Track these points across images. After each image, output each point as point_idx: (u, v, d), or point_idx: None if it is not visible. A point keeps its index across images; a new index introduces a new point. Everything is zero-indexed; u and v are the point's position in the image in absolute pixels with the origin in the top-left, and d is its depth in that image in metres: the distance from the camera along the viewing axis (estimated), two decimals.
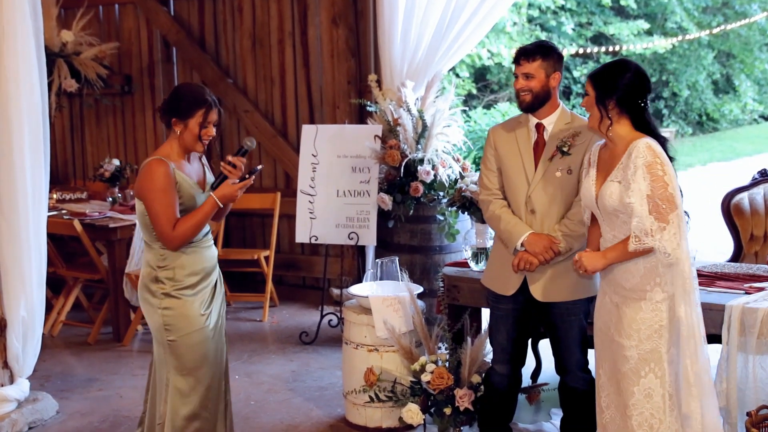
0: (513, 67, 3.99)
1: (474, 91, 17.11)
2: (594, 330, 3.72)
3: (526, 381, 5.08)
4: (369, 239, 6.43)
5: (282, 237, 7.69)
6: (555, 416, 4.91)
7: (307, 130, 6.66)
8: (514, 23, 17.09)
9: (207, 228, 3.97)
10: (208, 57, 7.96)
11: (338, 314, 6.50)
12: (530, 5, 17.30)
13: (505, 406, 4.30)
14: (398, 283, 4.99)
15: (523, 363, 4.27)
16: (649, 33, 18.64)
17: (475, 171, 6.18)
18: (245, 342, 6.57)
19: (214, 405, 3.98)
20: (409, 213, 6.23)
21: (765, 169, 5.80)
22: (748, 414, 3.76)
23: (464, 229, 6.16)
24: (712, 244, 8.28)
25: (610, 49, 17.14)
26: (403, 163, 6.21)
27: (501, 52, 16.46)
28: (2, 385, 4.91)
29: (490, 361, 4.35)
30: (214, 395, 3.97)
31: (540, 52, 3.88)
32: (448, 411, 4.43)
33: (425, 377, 4.47)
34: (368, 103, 6.77)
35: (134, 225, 6.51)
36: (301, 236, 6.58)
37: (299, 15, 7.51)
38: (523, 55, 3.89)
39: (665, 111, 19.92)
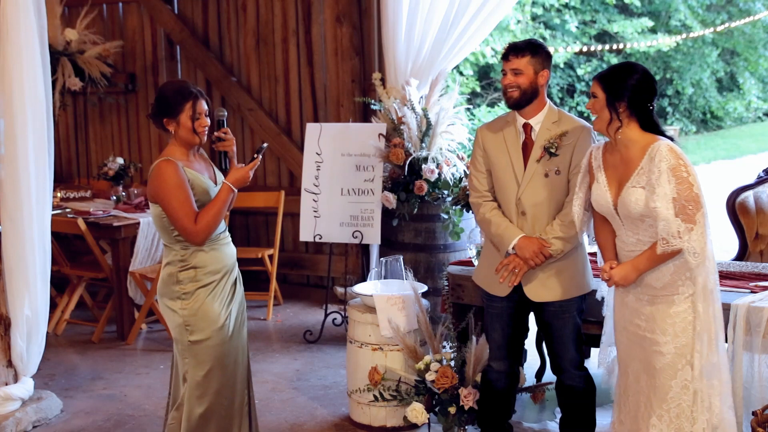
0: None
1: (478, 90, 17.09)
2: (616, 330, 3.72)
3: (530, 380, 5.08)
4: (373, 238, 6.42)
5: (286, 235, 7.69)
6: (560, 415, 4.89)
7: (311, 129, 6.65)
8: (518, 21, 17.07)
9: (224, 225, 3.98)
10: (212, 55, 7.96)
11: (342, 313, 6.50)
12: (534, 3, 17.28)
13: (504, 404, 4.30)
14: (403, 282, 4.98)
15: (520, 360, 4.28)
16: (653, 31, 18.60)
17: None
18: (249, 340, 6.48)
19: (233, 404, 3.96)
20: (414, 211, 6.22)
21: None
22: (754, 413, 3.76)
23: (468, 227, 6.17)
24: (717, 243, 8.19)
25: (614, 47, 17.12)
26: (408, 162, 6.20)
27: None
28: (6, 384, 4.92)
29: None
30: (233, 394, 3.96)
31: (529, 48, 3.87)
32: (452, 410, 4.42)
33: (430, 376, 4.46)
34: (372, 101, 6.76)
35: (138, 223, 6.52)
36: (305, 235, 6.57)
37: (303, 13, 7.50)
38: (512, 50, 3.88)
39: (669, 109, 19.88)
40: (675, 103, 20.08)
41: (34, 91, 4.80)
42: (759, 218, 5.57)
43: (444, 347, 4.68)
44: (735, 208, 5.59)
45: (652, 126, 3.46)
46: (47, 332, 5.19)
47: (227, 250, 3.97)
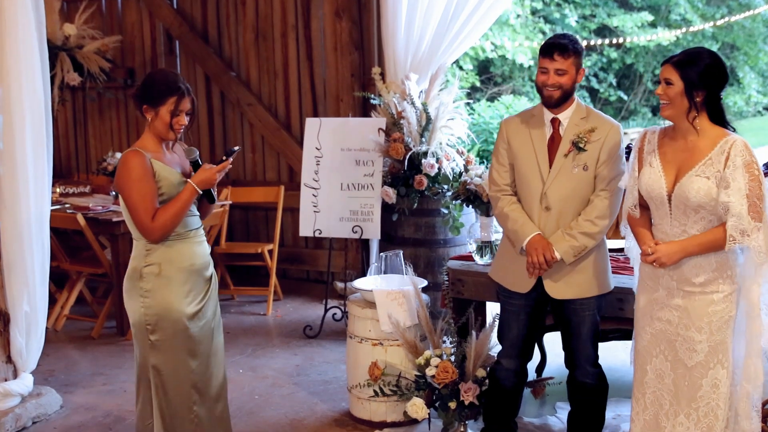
0: (537, 59, 3.88)
1: (478, 84, 17.08)
2: (638, 325, 3.68)
3: (531, 375, 5.06)
4: (373, 233, 6.41)
5: (286, 230, 7.68)
6: (560, 410, 4.89)
7: (311, 124, 6.63)
8: (518, 15, 17.06)
9: (199, 223, 3.87)
10: (211, 50, 7.94)
11: (342, 308, 6.49)
12: None
13: (511, 402, 4.28)
14: (403, 277, 4.97)
15: (530, 358, 4.24)
16: (653, 25, 18.58)
17: (479, 164, 6.17)
18: (249, 336, 6.56)
19: (202, 407, 3.85)
20: (414, 206, 6.21)
21: None
22: None
23: (469, 222, 6.16)
24: None
25: (614, 41, 17.11)
26: (407, 156, 6.19)
27: (505, 45, 16.43)
28: (6, 380, 4.90)
29: (495, 355, 4.33)
30: (201, 398, 3.84)
31: (574, 48, 3.78)
32: (452, 405, 4.41)
33: (430, 371, 4.45)
34: (372, 96, 6.75)
35: None
36: (305, 230, 6.56)
37: (302, 8, 7.48)
38: (558, 50, 3.76)
39: None
40: None
41: (33, 86, 4.78)
42: None
43: (444, 342, 4.67)
44: None
45: (720, 117, 3.41)
46: (47, 328, 5.18)
47: (198, 249, 3.83)
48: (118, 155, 7.40)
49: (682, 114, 3.40)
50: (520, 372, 4.19)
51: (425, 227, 6.29)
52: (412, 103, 6.34)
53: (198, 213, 3.89)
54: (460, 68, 15.70)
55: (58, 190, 7.29)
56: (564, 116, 3.88)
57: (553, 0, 17.55)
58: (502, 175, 4.00)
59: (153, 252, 3.71)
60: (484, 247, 4.79)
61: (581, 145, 3.81)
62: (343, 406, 5.13)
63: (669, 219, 3.47)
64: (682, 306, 3.48)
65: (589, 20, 18.57)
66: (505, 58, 17.15)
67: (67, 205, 6.88)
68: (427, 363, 4.49)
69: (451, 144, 6.41)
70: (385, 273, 5.08)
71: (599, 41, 17.17)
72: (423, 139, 6.28)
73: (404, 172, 6.23)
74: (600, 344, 4.09)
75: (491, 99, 16.93)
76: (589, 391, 4.06)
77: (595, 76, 18.75)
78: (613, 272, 4.20)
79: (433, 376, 4.43)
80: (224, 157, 3.81)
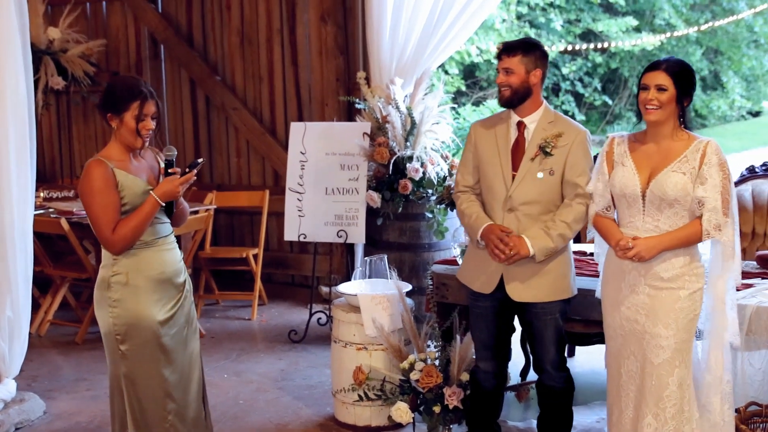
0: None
1: (463, 88, 17.10)
2: (608, 330, 3.72)
3: (515, 379, 5.08)
4: (358, 237, 6.41)
5: (271, 235, 7.67)
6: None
7: (296, 128, 6.63)
8: (503, 20, 17.08)
9: (169, 230, 3.81)
10: (196, 54, 7.93)
11: (327, 312, 6.48)
12: (519, 2, 17.29)
13: (492, 404, 4.29)
14: (387, 281, 4.98)
15: (507, 359, 4.26)
16: (637, 30, 18.66)
17: None
18: (234, 340, 6.55)
19: (185, 419, 3.80)
20: (398, 210, 6.22)
21: (753, 166, 5.80)
22: (737, 410, 3.77)
23: (453, 226, 6.16)
24: None
25: (599, 45, 17.16)
26: (392, 161, 6.20)
27: (490, 49, 16.44)
28: None
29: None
30: (176, 407, 3.77)
31: (521, 47, 3.87)
32: (437, 409, 4.42)
33: (414, 375, 4.46)
34: (357, 100, 6.75)
35: None
36: (290, 234, 6.55)
37: (288, 12, 7.48)
38: (504, 50, 3.89)
39: None
40: None
41: (16, 90, 4.76)
42: (741, 216, 5.58)
43: (428, 346, 4.68)
44: None
45: (688, 122, 3.63)
46: (30, 333, 5.16)
47: (168, 256, 3.77)
48: None
49: (669, 118, 3.55)
50: (498, 373, 4.20)
51: (410, 231, 6.30)
52: (397, 108, 6.35)
53: (168, 220, 3.82)
54: (446, 72, 15.72)
55: (41, 194, 7.26)
56: (530, 120, 3.93)
57: (538, 5, 17.59)
58: (465, 176, 4.07)
59: (120, 261, 3.66)
60: None
61: (548, 150, 3.85)
62: (328, 410, 5.13)
63: (641, 216, 3.56)
64: (649, 303, 3.53)
65: (574, 25, 18.63)
66: (490, 62, 17.14)
67: (50, 210, 6.85)
68: (412, 367, 4.50)
69: (435, 148, 6.42)
70: (369, 277, 5.09)
71: (584, 46, 17.23)
72: (408, 144, 6.29)
73: (389, 176, 6.24)
74: (584, 348, 4.11)
75: (477, 103, 16.96)
76: (555, 394, 4.08)
77: (580, 80, 18.81)
78: (589, 275, 4.25)
79: (417, 381, 4.44)
80: (187, 169, 3.75)
